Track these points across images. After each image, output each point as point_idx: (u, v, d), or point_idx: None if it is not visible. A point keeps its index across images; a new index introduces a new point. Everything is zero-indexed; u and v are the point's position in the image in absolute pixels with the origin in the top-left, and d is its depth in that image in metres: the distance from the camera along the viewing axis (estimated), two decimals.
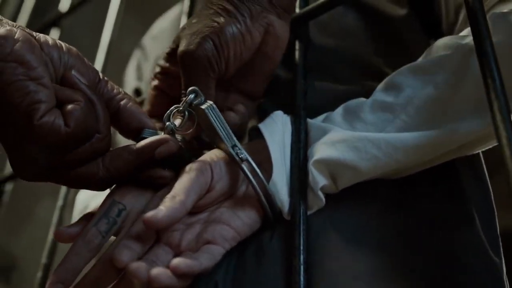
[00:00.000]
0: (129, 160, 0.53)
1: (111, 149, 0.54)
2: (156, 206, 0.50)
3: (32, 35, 0.49)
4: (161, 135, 0.54)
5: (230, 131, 0.54)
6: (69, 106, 0.50)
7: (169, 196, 0.50)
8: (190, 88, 0.55)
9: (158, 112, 0.62)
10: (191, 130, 0.57)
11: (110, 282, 0.50)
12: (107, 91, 0.55)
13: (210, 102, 0.54)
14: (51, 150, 0.49)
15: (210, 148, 0.59)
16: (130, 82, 0.98)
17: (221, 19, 0.58)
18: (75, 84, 0.52)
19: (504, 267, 0.59)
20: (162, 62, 0.64)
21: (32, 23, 1.35)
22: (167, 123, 0.55)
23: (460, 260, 0.54)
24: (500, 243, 0.61)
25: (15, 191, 1.09)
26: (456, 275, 0.54)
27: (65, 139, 0.48)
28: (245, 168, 0.54)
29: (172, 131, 0.55)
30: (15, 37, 0.47)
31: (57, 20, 1.20)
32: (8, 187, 1.05)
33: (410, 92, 0.56)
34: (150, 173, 0.54)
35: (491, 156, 0.72)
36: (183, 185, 0.51)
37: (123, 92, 0.56)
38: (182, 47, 0.59)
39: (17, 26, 0.49)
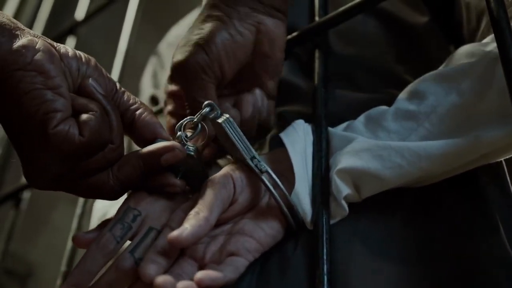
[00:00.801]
0: (136, 166, 0.53)
1: None
2: (179, 220, 0.51)
3: (52, 45, 0.50)
4: (168, 142, 0.54)
5: (248, 143, 0.54)
6: (84, 116, 0.50)
7: (193, 212, 0.50)
8: (206, 102, 0.55)
9: None
10: (203, 142, 0.57)
11: (123, 286, 0.50)
12: (123, 102, 0.55)
13: (226, 116, 0.54)
14: (65, 159, 0.49)
15: (221, 156, 0.59)
16: (146, 90, 0.98)
17: (209, 25, 0.59)
18: (91, 93, 0.52)
19: None
20: (167, 86, 0.64)
21: (48, 31, 1.36)
22: (179, 133, 0.55)
23: (486, 271, 0.54)
24: None
25: (33, 199, 1.09)
26: (482, 285, 0.53)
27: (79, 148, 0.48)
28: (265, 179, 0.53)
29: (182, 141, 0.54)
30: (36, 46, 0.48)
31: (73, 28, 1.21)
32: (26, 195, 1.05)
33: (434, 100, 0.55)
34: (161, 180, 0.54)
35: None
36: (206, 200, 0.51)
37: (139, 102, 0.56)
38: (174, 59, 0.60)
39: (38, 36, 0.49)
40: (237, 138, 0.53)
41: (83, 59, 0.53)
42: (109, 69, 1.05)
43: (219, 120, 0.53)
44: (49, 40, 0.51)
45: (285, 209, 0.54)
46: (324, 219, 0.52)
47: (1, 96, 0.47)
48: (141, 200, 0.54)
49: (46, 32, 1.38)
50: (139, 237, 0.53)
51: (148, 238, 0.53)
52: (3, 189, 1.17)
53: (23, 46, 0.47)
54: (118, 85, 0.56)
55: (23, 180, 1.04)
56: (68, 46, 0.52)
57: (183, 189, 0.55)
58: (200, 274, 0.47)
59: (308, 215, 0.54)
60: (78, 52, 0.53)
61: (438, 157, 0.53)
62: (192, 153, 0.53)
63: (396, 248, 0.54)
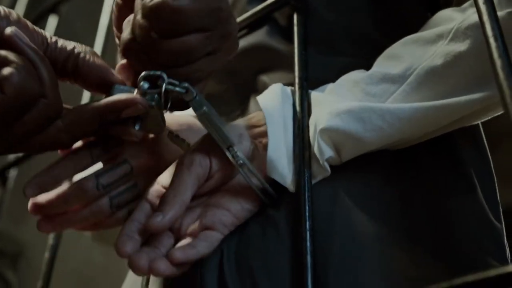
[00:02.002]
0: (92, 121, 0.50)
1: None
2: (156, 195, 0.53)
3: None
4: (131, 95, 0.50)
5: (225, 133, 0.53)
6: (4, 71, 0.45)
7: (169, 193, 0.51)
8: (183, 85, 0.51)
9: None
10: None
11: (76, 204, 0.54)
12: (60, 51, 0.51)
13: (204, 109, 0.51)
14: None
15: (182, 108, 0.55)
16: None
17: None
18: (14, 43, 0.47)
19: (504, 233, 0.59)
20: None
21: (30, 10, 1.34)
22: (141, 83, 0.50)
23: (463, 226, 0.55)
24: (500, 209, 0.61)
25: (19, 177, 1.09)
26: (459, 241, 0.54)
27: (2, 106, 0.45)
28: (241, 170, 0.54)
29: (144, 92, 0.51)
30: None
31: (55, 6, 1.20)
32: (12, 173, 1.05)
33: (411, 62, 0.56)
34: (119, 131, 0.54)
35: (493, 130, 0.72)
36: (181, 179, 0.52)
37: (80, 47, 0.52)
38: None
39: None
40: (213, 129, 0.53)
41: (2, 13, 0.48)
42: (91, 46, 1.05)
43: (196, 113, 0.52)
44: None
45: (260, 194, 0.55)
46: (306, 178, 0.53)
47: None
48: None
49: (28, 10, 1.36)
50: (111, 165, 0.53)
51: (118, 170, 0.54)
52: None
53: None
54: (49, 37, 0.51)
55: (10, 157, 1.04)
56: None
57: (140, 138, 0.55)
58: (173, 251, 0.49)
59: (287, 178, 0.54)
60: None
61: (417, 120, 0.54)
62: (153, 103, 0.51)
63: (375, 206, 0.54)
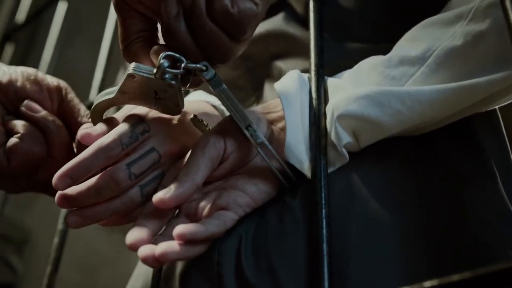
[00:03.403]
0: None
1: None
2: (172, 180, 0.51)
3: None
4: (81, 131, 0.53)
5: (244, 112, 0.53)
6: (10, 142, 0.53)
7: (180, 173, 0.50)
8: (201, 64, 0.50)
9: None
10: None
11: (110, 196, 0.51)
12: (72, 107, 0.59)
13: (223, 86, 0.52)
14: (6, 183, 0.56)
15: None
16: None
17: None
18: (29, 117, 0.55)
19: None
20: None
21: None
22: (161, 61, 0.49)
23: (483, 216, 0.54)
24: None
25: None
26: (478, 231, 0.53)
27: (11, 173, 0.53)
28: (260, 150, 0.53)
29: (164, 70, 0.50)
30: None
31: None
32: None
33: (430, 44, 0.55)
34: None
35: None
36: (194, 160, 0.51)
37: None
38: None
39: None
40: (231, 107, 0.52)
41: (19, 82, 0.55)
42: (101, 34, 1.04)
43: (215, 90, 0.52)
44: None
45: (280, 176, 0.55)
46: (322, 164, 0.52)
47: None
48: (153, 119, 0.55)
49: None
50: (140, 153, 0.52)
51: (148, 158, 0.53)
52: None
53: None
54: (64, 92, 0.58)
55: None
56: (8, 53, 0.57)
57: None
58: (179, 228, 0.46)
59: (304, 163, 0.54)
60: (13, 74, 0.56)
61: (438, 102, 0.53)
62: (173, 82, 0.50)
63: (393, 194, 0.54)
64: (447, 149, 0.58)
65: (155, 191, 0.52)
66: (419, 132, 0.57)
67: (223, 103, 0.52)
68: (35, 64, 1.06)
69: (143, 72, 0.51)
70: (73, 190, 0.50)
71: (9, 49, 1.51)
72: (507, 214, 0.56)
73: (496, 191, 0.57)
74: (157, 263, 0.46)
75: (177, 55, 0.49)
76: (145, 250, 0.46)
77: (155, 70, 0.50)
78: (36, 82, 0.56)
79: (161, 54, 0.49)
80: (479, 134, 0.60)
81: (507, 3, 0.44)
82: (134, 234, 0.47)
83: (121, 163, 0.51)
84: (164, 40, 0.50)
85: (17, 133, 0.53)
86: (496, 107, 0.61)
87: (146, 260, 0.45)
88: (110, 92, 0.53)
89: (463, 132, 0.59)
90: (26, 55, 1.83)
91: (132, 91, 0.52)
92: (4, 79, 0.55)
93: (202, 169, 0.51)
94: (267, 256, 0.52)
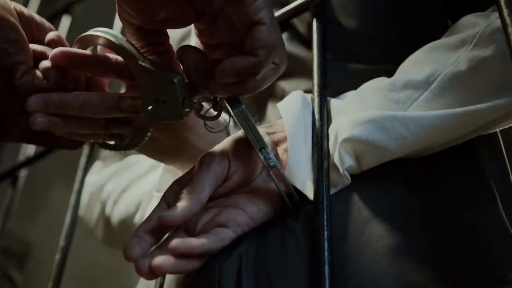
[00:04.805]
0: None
1: None
2: (174, 195, 0.52)
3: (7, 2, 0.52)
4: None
5: (259, 134, 0.53)
6: (45, 62, 0.52)
7: (185, 191, 0.50)
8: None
9: None
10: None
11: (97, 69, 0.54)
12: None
13: (243, 107, 0.52)
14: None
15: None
16: None
17: None
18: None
19: None
20: None
21: (43, 10, 1.35)
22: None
23: (485, 239, 0.54)
24: None
25: (30, 177, 1.09)
26: (481, 254, 0.53)
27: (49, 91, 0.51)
28: (271, 173, 0.53)
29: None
30: None
31: (68, 7, 1.20)
32: (23, 173, 1.05)
33: (434, 68, 0.55)
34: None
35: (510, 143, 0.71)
36: (199, 178, 0.51)
37: None
38: None
39: None
40: (248, 129, 0.53)
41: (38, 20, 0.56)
42: None
43: (233, 110, 0.52)
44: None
45: (286, 197, 0.55)
46: (324, 186, 0.52)
47: None
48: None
49: (41, 10, 1.36)
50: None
51: None
52: (0, 167, 1.16)
53: None
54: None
55: (20, 158, 1.04)
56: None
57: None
58: (174, 242, 0.47)
59: (306, 185, 0.54)
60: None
61: (441, 128, 0.53)
62: (175, 81, 0.50)
63: (395, 217, 0.54)
64: (449, 171, 0.58)
65: (130, 107, 0.53)
66: (421, 155, 0.57)
67: (240, 124, 0.53)
68: None
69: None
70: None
71: None
72: (508, 236, 0.56)
73: (497, 213, 0.57)
74: (152, 275, 0.46)
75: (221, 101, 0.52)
76: (141, 262, 0.46)
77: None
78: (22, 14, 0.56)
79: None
80: (480, 157, 0.60)
81: (510, 29, 0.44)
82: (131, 245, 0.48)
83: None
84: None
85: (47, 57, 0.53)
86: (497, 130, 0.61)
87: (141, 271, 0.46)
88: (121, 40, 0.52)
89: (465, 155, 0.59)
90: None
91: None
92: (25, 10, 0.55)
93: (207, 188, 0.51)
94: (267, 278, 0.52)
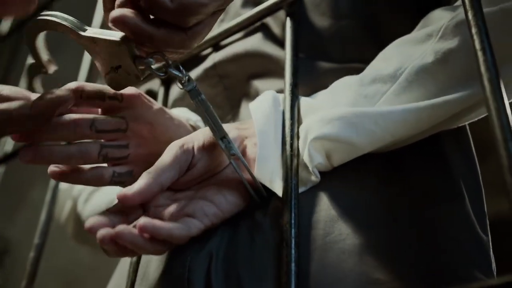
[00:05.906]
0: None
1: None
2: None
3: None
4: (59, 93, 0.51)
5: (219, 122, 0.54)
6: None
7: (145, 172, 0.51)
8: (184, 75, 0.52)
9: None
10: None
11: (67, 135, 0.53)
12: None
13: (202, 96, 0.53)
14: None
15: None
16: None
17: None
18: None
19: (491, 245, 0.59)
20: None
21: None
22: (150, 59, 0.50)
23: (449, 236, 0.54)
24: (487, 221, 0.61)
25: (7, 175, 1.08)
26: (444, 251, 0.54)
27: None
28: (233, 162, 0.54)
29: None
30: None
31: (48, 5, 1.20)
32: (0, 170, 1.04)
33: (401, 62, 0.56)
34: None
35: (481, 142, 0.72)
36: (161, 162, 0.52)
37: None
38: None
39: None
40: (208, 117, 0.53)
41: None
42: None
43: (193, 99, 0.53)
44: None
45: (251, 190, 0.55)
46: (293, 185, 0.53)
47: None
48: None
49: None
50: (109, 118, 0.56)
51: (114, 121, 0.56)
52: None
53: None
54: None
55: None
56: None
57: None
58: (142, 220, 0.46)
59: (274, 182, 0.54)
60: None
61: (409, 121, 0.54)
62: (120, 40, 0.48)
63: (362, 214, 0.54)
64: (416, 168, 0.58)
65: (113, 158, 0.55)
66: (390, 149, 0.58)
67: (200, 113, 0.53)
68: (20, 74, 1.06)
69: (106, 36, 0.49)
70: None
71: None
72: (475, 235, 0.57)
73: (464, 211, 0.57)
74: (113, 245, 0.45)
75: (168, 59, 0.50)
76: (103, 230, 0.45)
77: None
78: None
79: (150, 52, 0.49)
80: (447, 153, 0.61)
81: (471, 22, 0.45)
82: (95, 219, 0.48)
83: (88, 116, 0.54)
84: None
85: None
86: (466, 123, 0.62)
87: (103, 241, 0.45)
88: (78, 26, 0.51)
89: (432, 150, 0.60)
90: (11, 65, 1.83)
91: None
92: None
93: (167, 170, 0.52)
94: (236, 276, 0.52)
